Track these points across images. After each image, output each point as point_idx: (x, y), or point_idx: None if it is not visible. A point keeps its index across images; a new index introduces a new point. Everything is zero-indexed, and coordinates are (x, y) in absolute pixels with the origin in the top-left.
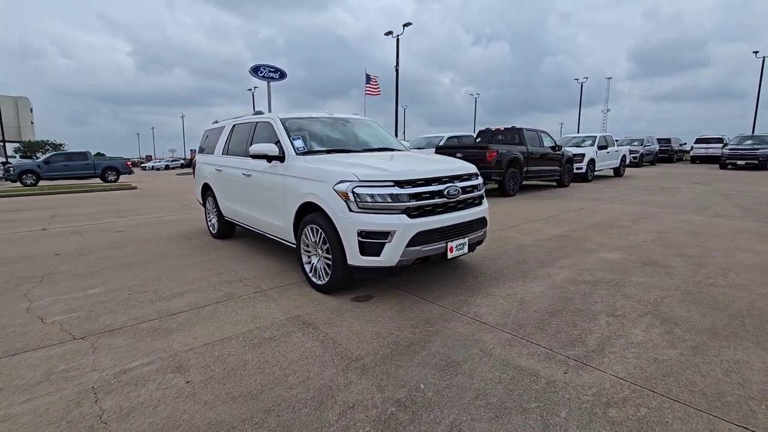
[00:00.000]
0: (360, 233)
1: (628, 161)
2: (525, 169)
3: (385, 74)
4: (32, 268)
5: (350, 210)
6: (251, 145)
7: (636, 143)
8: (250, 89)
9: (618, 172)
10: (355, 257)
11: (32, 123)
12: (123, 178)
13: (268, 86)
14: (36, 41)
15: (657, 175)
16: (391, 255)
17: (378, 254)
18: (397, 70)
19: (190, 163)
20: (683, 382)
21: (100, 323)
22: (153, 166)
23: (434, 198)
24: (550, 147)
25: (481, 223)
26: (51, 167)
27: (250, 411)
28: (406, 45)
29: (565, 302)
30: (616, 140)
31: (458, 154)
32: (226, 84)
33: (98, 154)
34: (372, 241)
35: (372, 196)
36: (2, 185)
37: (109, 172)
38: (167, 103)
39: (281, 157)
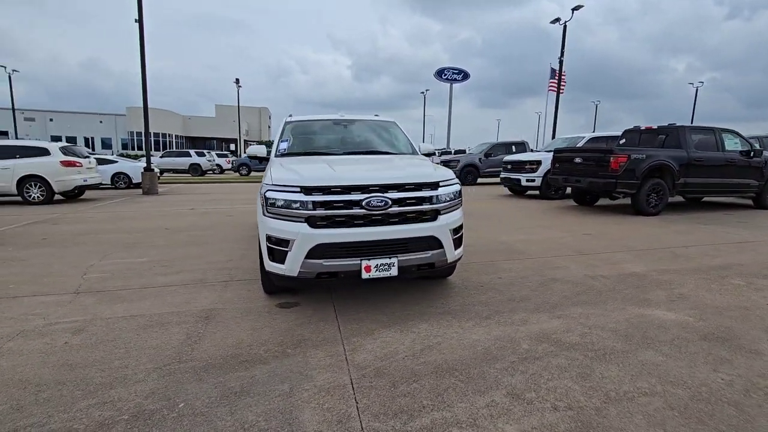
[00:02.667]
0: (268, 238)
1: None
2: (681, 180)
3: (590, 66)
4: (135, 238)
5: (263, 213)
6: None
7: None
8: (422, 92)
9: None
10: (267, 262)
11: (269, 127)
12: None
13: (451, 88)
14: (286, 62)
15: None
16: (292, 265)
17: (282, 262)
18: (561, 62)
19: None
20: None
21: (104, 285)
22: None
23: (349, 208)
24: (739, 152)
25: (428, 243)
26: (259, 163)
27: (65, 378)
28: (629, 29)
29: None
30: None
31: (577, 159)
32: (422, 87)
33: None
34: (277, 248)
35: (278, 200)
36: (228, 174)
37: None
38: (374, 107)
39: (268, 159)
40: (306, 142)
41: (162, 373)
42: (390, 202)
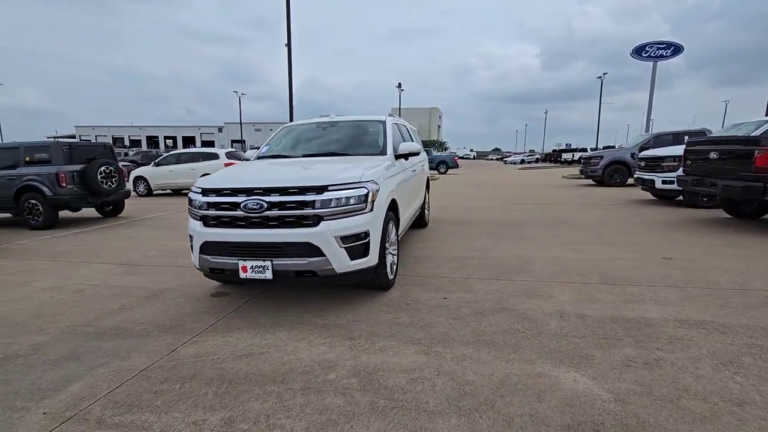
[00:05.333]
0: (189, 234)
1: None
2: None
3: None
4: None
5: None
6: None
7: None
8: (599, 77)
9: None
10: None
11: (439, 127)
12: (451, 171)
13: (654, 68)
14: (470, 60)
15: None
16: (194, 258)
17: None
18: None
19: (547, 158)
20: None
21: (147, 261)
22: (513, 161)
23: (233, 210)
24: None
25: (305, 249)
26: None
27: (19, 321)
28: None
29: None
30: None
31: (712, 155)
32: (628, 69)
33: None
34: (189, 243)
35: (191, 200)
36: None
37: (441, 165)
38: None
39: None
40: (282, 145)
41: (65, 331)
42: (266, 205)
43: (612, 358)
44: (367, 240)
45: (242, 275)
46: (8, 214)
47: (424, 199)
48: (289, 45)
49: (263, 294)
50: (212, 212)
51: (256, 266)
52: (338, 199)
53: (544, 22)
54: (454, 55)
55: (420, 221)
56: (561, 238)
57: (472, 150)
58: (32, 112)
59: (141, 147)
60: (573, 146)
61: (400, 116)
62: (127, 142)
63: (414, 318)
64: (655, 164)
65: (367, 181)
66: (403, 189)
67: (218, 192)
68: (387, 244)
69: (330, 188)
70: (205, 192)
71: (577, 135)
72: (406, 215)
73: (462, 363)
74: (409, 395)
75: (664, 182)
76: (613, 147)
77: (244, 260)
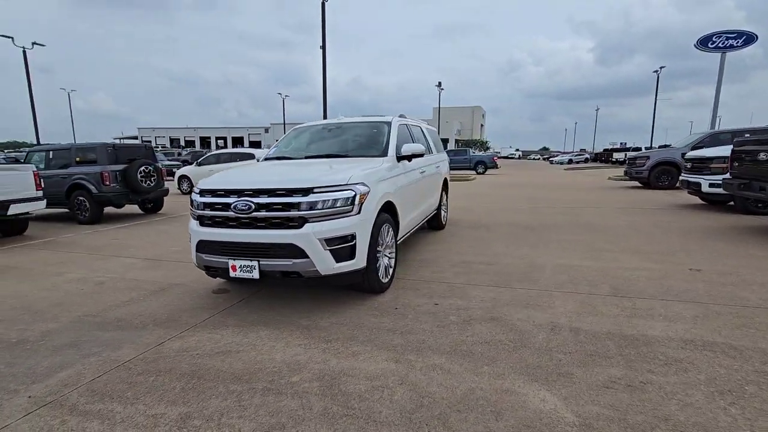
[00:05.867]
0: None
1: None
2: None
3: None
4: None
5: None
6: None
7: None
8: (655, 71)
9: None
10: None
11: (482, 126)
12: (489, 171)
13: (722, 59)
14: (518, 56)
15: None
16: (192, 255)
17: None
18: None
19: (597, 158)
20: None
21: (168, 256)
22: (560, 161)
23: (225, 210)
24: None
25: (289, 250)
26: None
27: (41, 308)
28: None
29: None
30: None
31: (762, 155)
32: (695, 62)
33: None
34: (190, 242)
35: (191, 201)
36: None
37: (480, 165)
38: (619, 93)
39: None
40: (289, 147)
41: (74, 320)
42: (254, 206)
43: (593, 377)
44: (353, 242)
45: (231, 274)
46: (64, 210)
47: (440, 200)
48: (324, 48)
49: (259, 293)
50: (207, 212)
51: (244, 266)
52: (324, 201)
53: (597, 15)
54: (500, 51)
55: (435, 223)
56: (583, 244)
57: (517, 149)
58: (104, 115)
59: (194, 147)
60: (627, 145)
61: (439, 116)
62: (182, 143)
63: (398, 323)
64: (702, 165)
65: (355, 184)
66: (407, 191)
67: (213, 193)
68: (381, 247)
69: (315, 190)
70: (202, 192)
71: (633, 133)
72: (408, 218)
73: (430, 373)
74: (364, 403)
75: (711, 185)
76: (669, 146)
77: (234, 259)
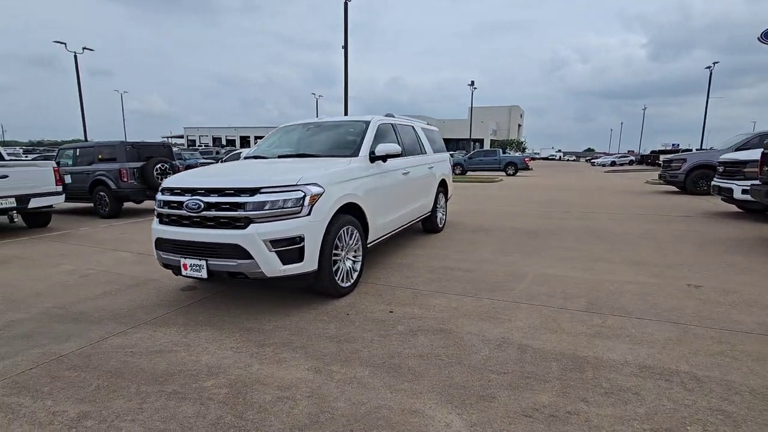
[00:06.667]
0: None
1: None
2: None
3: None
4: None
5: None
6: None
7: None
8: (708, 67)
9: None
10: None
11: (519, 126)
12: (521, 173)
13: None
14: (563, 53)
15: None
16: (155, 252)
17: None
18: None
19: (643, 160)
20: None
21: None
22: (601, 163)
23: (179, 209)
24: None
25: (234, 251)
26: (472, 161)
27: (23, 297)
28: None
29: None
30: None
31: None
32: (761, 56)
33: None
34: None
35: (155, 199)
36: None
37: (510, 167)
38: (674, 91)
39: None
40: (267, 146)
41: (41, 312)
42: (203, 205)
43: (516, 403)
44: (301, 245)
45: (183, 272)
46: (90, 204)
47: (435, 202)
48: (345, 47)
49: (223, 292)
50: (165, 210)
51: (194, 264)
52: (273, 201)
53: (651, 8)
54: (543, 48)
55: (429, 225)
56: (582, 253)
57: (558, 150)
58: (156, 115)
59: (235, 146)
60: (680, 146)
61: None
62: (224, 142)
63: (341, 330)
64: (735, 170)
65: (306, 185)
66: (381, 192)
67: (171, 191)
68: (341, 250)
69: (263, 190)
70: (163, 190)
71: (689, 133)
72: (384, 221)
73: (344, 386)
74: (260, 415)
75: (744, 192)
76: (711, 148)
77: (185, 258)
